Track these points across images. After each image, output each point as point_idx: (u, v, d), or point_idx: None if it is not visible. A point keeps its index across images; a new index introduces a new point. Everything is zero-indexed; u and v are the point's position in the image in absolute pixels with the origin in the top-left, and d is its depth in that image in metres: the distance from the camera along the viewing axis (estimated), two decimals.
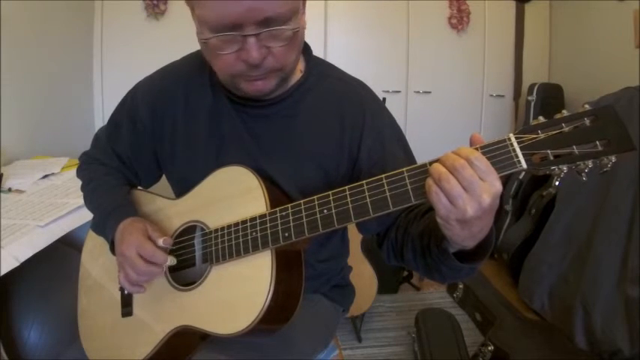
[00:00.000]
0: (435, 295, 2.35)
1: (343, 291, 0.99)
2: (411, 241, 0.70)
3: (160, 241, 0.73)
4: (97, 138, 0.93)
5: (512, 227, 2.40)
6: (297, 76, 0.78)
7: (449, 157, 0.53)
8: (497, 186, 0.51)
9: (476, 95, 3.02)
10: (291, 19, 0.62)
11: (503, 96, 3.03)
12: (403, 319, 2.10)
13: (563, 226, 1.99)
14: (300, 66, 0.79)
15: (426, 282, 2.43)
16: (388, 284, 2.28)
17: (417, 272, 0.72)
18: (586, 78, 2.64)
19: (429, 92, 2.95)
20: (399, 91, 2.91)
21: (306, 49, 0.81)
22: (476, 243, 0.57)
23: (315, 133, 0.77)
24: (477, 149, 0.53)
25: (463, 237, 0.55)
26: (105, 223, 0.80)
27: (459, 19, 2.87)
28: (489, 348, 1.64)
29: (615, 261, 1.70)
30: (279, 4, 0.60)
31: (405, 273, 2.41)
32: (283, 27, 0.61)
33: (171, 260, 0.73)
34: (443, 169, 0.52)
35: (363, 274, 1.92)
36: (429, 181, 0.53)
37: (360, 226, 0.78)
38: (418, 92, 2.95)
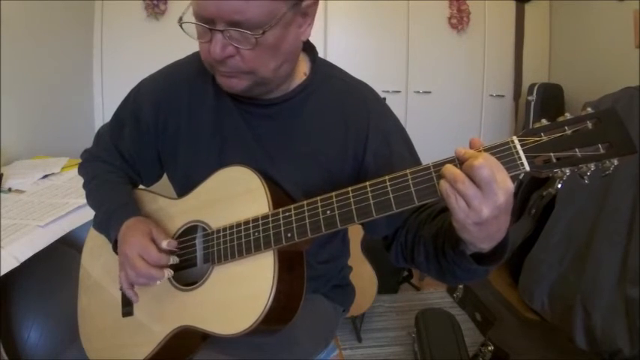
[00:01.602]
0: (435, 295, 2.34)
1: (343, 291, 0.99)
2: (423, 243, 0.69)
3: (164, 244, 0.73)
4: (99, 135, 0.93)
5: (512, 227, 2.39)
6: (301, 78, 0.78)
7: (466, 154, 0.52)
8: (509, 183, 0.51)
9: (476, 95, 3.02)
10: (263, 27, 0.62)
11: (503, 96, 3.04)
12: (403, 319, 2.09)
13: (563, 226, 1.99)
14: (305, 68, 0.79)
15: (426, 282, 2.43)
16: (388, 284, 2.27)
17: (428, 274, 0.72)
18: (586, 78, 2.65)
19: (429, 92, 2.95)
20: (399, 91, 2.91)
21: (311, 51, 0.81)
22: (493, 245, 0.57)
23: (318, 134, 0.77)
24: (480, 151, 0.53)
25: (481, 238, 0.55)
26: (108, 222, 0.80)
27: (459, 19, 2.87)
28: (489, 348, 1.64)
29: (615, 261, 1.70)
30: (250, 11, 0.61)
31: (405, 273, 2.40)
32: (246, 32, 0.62)
33: (174, 260, 0.73)
34: (457, 171, 0.52)
35: (363, 274, 1.91)
36: (445, 184, 0.53)
37: (368, 228, 0.78)
38: (418, 92, 2.95)
